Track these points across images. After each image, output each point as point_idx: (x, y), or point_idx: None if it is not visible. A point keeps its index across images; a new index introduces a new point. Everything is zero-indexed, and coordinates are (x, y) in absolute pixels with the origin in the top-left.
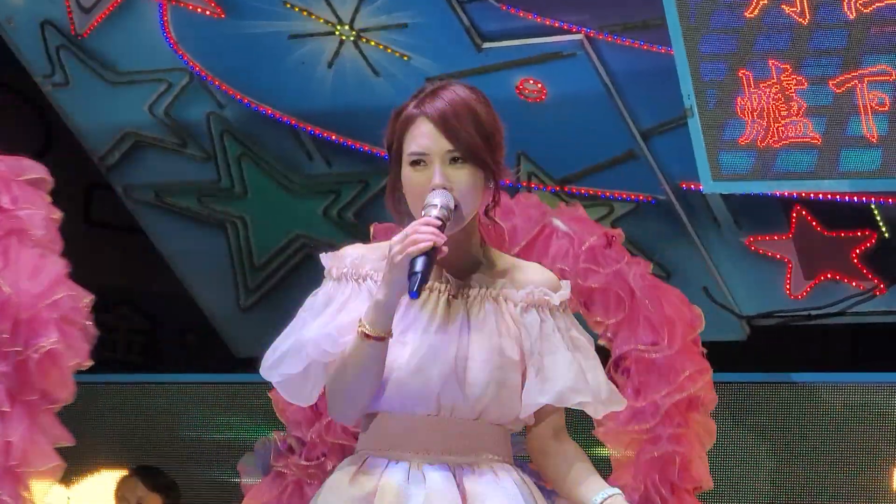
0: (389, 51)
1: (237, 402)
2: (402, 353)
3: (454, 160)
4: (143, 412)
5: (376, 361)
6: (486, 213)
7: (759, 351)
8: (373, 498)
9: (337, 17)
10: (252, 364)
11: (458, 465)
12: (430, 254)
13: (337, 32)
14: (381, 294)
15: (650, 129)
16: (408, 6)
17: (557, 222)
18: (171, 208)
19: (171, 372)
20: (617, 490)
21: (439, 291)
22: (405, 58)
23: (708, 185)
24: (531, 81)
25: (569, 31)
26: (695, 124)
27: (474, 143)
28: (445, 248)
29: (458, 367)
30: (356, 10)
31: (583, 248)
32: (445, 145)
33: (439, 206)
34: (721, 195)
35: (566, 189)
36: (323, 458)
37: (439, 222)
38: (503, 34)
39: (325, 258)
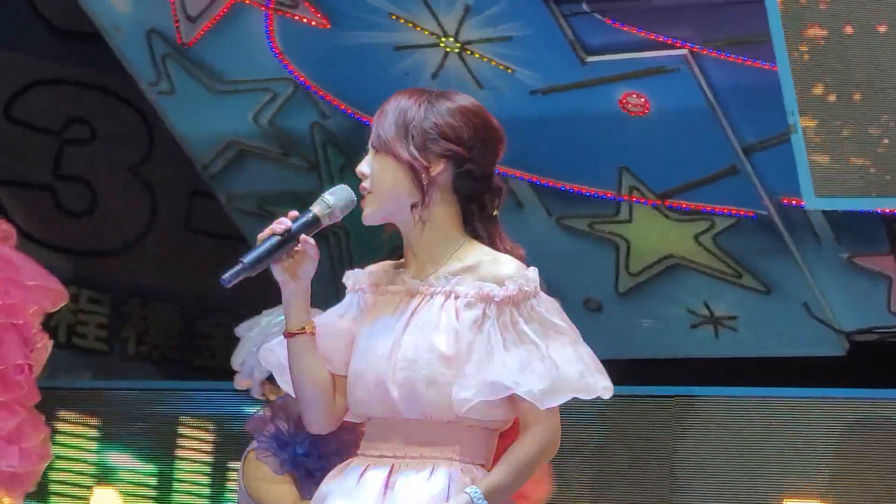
0: (494, 63)
1: None
2: (355, 359)
3: (373, 150)
4: (240, 419)
5: (297, 357)
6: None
7: (858, 366)
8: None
9: (442, 29)
10: None
11: (404, 463)
12: (273, 247)
13: (441, 44)
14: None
15: (752, 145)
16: (512, 19)
17: None
18: (273, 217)
19: None
20: (467, 490)
21: (393, 293)
22: (509, 70)
23: (810, 202)
24: (634, 95)
25: (672, 46)
26: (798, 140)
27: (383, 133)
28: (311, 243)
29: (390, 370)
30: (461, 23)
31: None
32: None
33: (320, 200)
34: (822, 211)
35: (667, 203)
36: None
37: (294, 215)
38: (607, 48)
39: (344, 278)
